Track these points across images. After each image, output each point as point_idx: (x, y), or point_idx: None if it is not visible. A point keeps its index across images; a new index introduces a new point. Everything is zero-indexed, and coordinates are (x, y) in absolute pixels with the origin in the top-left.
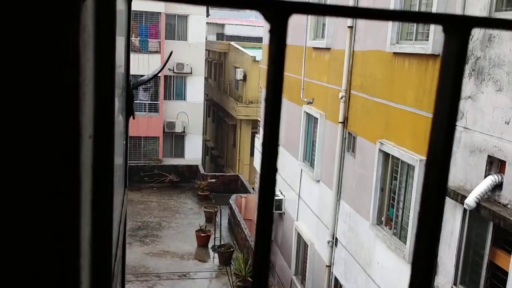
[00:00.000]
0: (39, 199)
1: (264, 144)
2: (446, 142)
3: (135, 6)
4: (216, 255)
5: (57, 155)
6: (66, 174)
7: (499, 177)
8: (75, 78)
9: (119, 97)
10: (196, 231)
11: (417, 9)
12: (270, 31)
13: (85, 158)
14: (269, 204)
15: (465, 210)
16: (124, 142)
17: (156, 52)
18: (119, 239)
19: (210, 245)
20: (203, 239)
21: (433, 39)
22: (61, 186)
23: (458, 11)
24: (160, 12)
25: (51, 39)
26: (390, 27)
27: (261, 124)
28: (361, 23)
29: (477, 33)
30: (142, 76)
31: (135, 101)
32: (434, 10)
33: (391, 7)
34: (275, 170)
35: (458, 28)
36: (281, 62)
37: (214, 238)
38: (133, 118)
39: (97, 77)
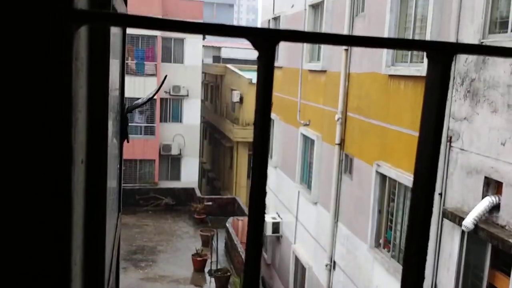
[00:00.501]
0: (29, 223)
1: (253, 168)
2: (431, 167)
3: (131, 30)
4: (213, 279)
5: (48, 180)
6: (57, 198)
7: (497, 198)
8: (67, 104)
9: (113, 121)
10: (192, 255)
11: (411, 31)
12: (258, 58)
13: (77, 182)
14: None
15: (463, 232)
16: (118, 166)
17: (153, 75)
18: (112, 263)
19: (206, 269)
20: (199, 264)
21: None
22: (52, 211)
23: (452, 33)
24: (157, 36)
25: (43, 67)
26: (385, 49)
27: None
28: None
29: (471, 55)
30: (139, 99)
31: (131, 124)
32: (428, 32)
33: (386, 30)
34: (264, 192)
35: (440, 54)
36: (269, 88)
37: (211, 262)
38: (127, 141)
39: (90, 103)
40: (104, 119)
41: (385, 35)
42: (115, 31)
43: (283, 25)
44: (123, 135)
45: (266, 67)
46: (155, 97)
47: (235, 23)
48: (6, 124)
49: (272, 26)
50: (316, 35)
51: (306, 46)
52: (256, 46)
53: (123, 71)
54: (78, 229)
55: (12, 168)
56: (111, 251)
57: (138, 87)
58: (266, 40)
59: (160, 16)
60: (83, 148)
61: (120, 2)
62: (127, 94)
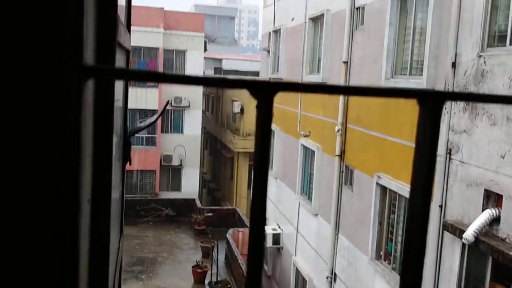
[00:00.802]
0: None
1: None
2: (422, 210)
3: (133, 42)
4: None
5: (56, 220)
6: (65, 240)
7: (497, 211)
8: (75, 151)
9: (116, 145)
10: (192, 266)
11: (410, 44)
12: (257, 107)
13: (85, 224)
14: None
15: (463, 244)
16: (121, 188)
17: (154, 86)
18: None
19: (206, 281)
20: (199, 275)
21: (427, 74)
22: (58, 258)
23: (451, 46)
24: (158, 48)
25: (53, 116)
26: (384, 61)
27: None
28: (356, 58)
29: (469, 68)
30: (141, 110)
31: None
32: (427, 45)
33: (385, 43)
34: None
35: (431, 102)
36: (267, 135)
37: (211, 274)
38: (130, 164)
39: (96, 142)
40: (109, 159)
41: (384, 48)
42: (120, 54)
43: (283, 38)
44: (126, 158)
45: (264, 115)
46: (156, 108)
47: (236, 35)
48: (18, 167)
49: (272, 38)
50: (313, 86)
51: (306, 57)
52: (255, 96)
53: (127, 93)
54: (83, 267)
55: (20, 212)
56: (113, 274)
57: (140, 99)
58: (264, 91)
59: (162, 29)
60: (89, 188)
61: (124, 34)
62: (130, 105)
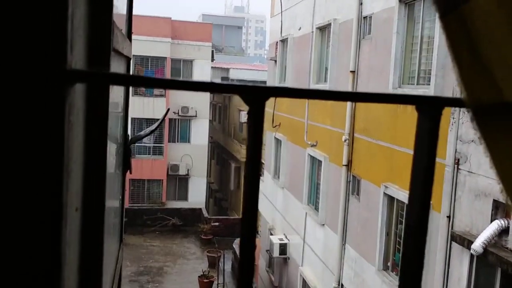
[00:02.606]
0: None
1: (243, 216)
2: (421, 217)
3: (141, 51)
4: None
5: (38, 229)
6: (47, 247)
7: (506, 222)
8: (58, 157)
9: (116, 153)
10: (198, 276)
11: (418, 53)
12: (248, 112)
13: (71, 232)
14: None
15: (472, 255)
16: (121, 197)
17: (161, 95)
18: None
19: None
20: (206, 285)
21: (435, 83)
22: (42, 260)
23: None
24: (166, 57)
25: (34, 120)
26: (392, 70)
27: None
28: (363, 67)
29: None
30: (148, 119)
31: (139, 144)
32: (435, 54)
33: (392, 52)
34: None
35: (430, 108)
36: (259, 140)
37: (217, 284)
38: (130, 173)
39: (87, 148)
40: (102, 169)
41: (392, 57)
42: (117, 59)
43: (291, 47)
44: (126, 166)
45: (256, 120)
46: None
47: (243, 45)
48: None
49: (280, 48)
50: (304, 91)
51: (313, 67)
52: (246, 101)
53: (127, 101)
54: (72, 276)
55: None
56: (111, 285)
57: (147, 108)
58: (256, 96)
59: (169, 39)
60: (78, 196)
61: (122, 40)
62: (137, 114)
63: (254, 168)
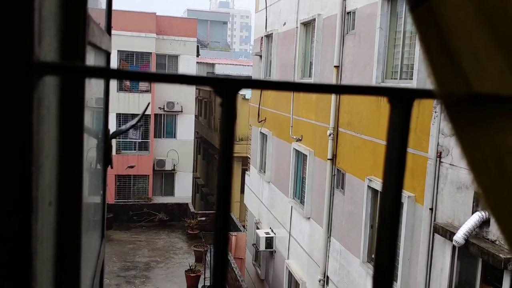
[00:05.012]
0: None
1: (217, 211)
2: (393, 208)
3: (126, 46)
4: None
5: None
6: (17, 245)
7: (486, 213)
8: (26, 151)
9: (97, 147)
10: (185, 271)
11: (401, 48)
12: (221, 105)
13: (43, 226)
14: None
15: (454, 247)
16: (102, 192)
17: (147, 91)
18: None
19: (200, 285)
20: (192, 280)
21: (417, 78)
22: (11, 257)
23: None
24: (151, 52)
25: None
26: (375, 65)
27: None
28: (347, 62)
29: None
30: (133, 114)
31: (125, 140)
32: (417, 48)
33: (376, 47)
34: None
35: (401, 100)
36: (231, 132)
37: (204, 278)
38: (111, 167)
39: (62, 142)
40: (79, 162)
41: (375, 52)
42: (96, 54)
43: (275, 42)
44: (107, 161)
45: (228, 112)
46: (149, 113)
47: (229, 40)
48: None
49: (265, 43)
50: (275, 83)
51: (298, 62)
52: (218, 93)
53: (108, 94)
54: (44, 275)
55: None
56: (92, 281)
57: (133, 104)
58: (227, 88)
59: (154, 34)
60: (52, 189)
61: (100, 34)
62: (122, 110)
63: (226, 161)
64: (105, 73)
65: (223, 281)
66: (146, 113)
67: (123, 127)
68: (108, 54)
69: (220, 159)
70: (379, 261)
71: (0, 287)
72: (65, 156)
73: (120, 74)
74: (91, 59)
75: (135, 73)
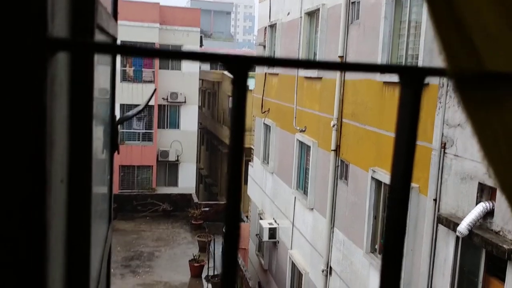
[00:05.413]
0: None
1: (228, 188)
2: (404, 190)
3: (129, 37)
4: (210, 285)
5: (21, 200)
6: (31, 219)
7: (491, 204)
8: (40, 132)
9: (103, 132)
10: (189, 261)
11: (405, 38)
12: (232, 82)
13: (55, 202)
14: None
15: (457, 237)
16: (109, 176)
17: (150, 81)
18: (100, 276)
19: (203, 275)
20: (196, 269)
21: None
22: (25, 232)
23: None
24: (154, 43)
25: (16, 95)
26: (380, 55)
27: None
28: (352, 52)
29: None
30: (137, 105)
31: (129, 130)
32: (422, 39)
33: (380, 37)
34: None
35: (412, 78)
36: (242, 109)
37: (208, 268)
38: (118, 153)
39: (72, 122)
40: (88, 139)
41: (380, 42)
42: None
43: (279, 32)
44: (114, 146)
45: (239, 91)
46: (153, 103)
47: (232, 30)
48: None
49: (268, 33)
50: (286, 60)
51: (302, 52)
52: (230, 70)
53: (114, 83)
54: (57, 248)
55: None
56: (100, 264)
57: (136, 94)
58: (239, 64)
59: (157, 24)
60: (63, 167)
61: (107, 18)
62: (126, 100)
63: (238, 140)
64: (115, 49)
65: (234, 272)
66: (150, 104)
67: (130, 112)
68: (114, 40)
69: (231, 137)
70: (388, 252)
71: (17, 250)
72: (75, 134)
73: (130, 51)
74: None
75: (146, 49)
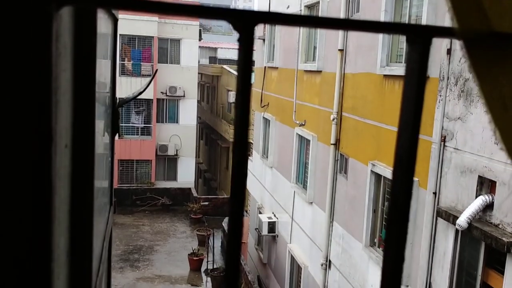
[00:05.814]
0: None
1: (234, 151)
2: (410, 149)
3: (128, 31)
4: (209, 279)
5: (27, 162)
6: (37, 181)
7: (490, 197)
8: (46, 85)
9: (105, 115)
10: (188, 254)
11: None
12: (238, 40)
13: (61, 166)
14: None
15: (457, 230)
16: (110, 158)
17: (149, 75)
18: (102, 254)
19: (203, 268)
20: (196, 263)
21: None
22: (31, 193)
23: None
24: (153, 36)
25: (21, 48)
26: (380, 49)
27: (233, 138)
28: (351, 46)
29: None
30: (136, 99)
31: (127, 125)
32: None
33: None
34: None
35: (419, 37)
36: (248, 69)
37: (207, 261)
38: (119, 136)
39: (76, 87)
40: (91, 104)
41: (380, 35)
42: (105, 30)
43: (279, 26)
44: (115, 128)
45: (245, 48)
46: (151, 97)
47: None
48: None
49: (268, 27)
50: (295, 17)
51: (302, 46)
52: (235, 28)
53: (115, 67)
54: (62, 213)
55: None
56: (102, 242)
57: (135, 88)
58: (245, 20)
59: (156, 18)
60: (68, 133)
61: None
62: (125, 94)
63: (244, 97)
64: (124, 3)
65: (237, 264)
66: (148, 97)
67: (130, 94)
68: (115, 21)
69: (237, 96)
70: (390, 246)
71: (23, 210)
72: (78, 97)
73: (134, 3)
74: (101, 23)
75: (150, 2)
